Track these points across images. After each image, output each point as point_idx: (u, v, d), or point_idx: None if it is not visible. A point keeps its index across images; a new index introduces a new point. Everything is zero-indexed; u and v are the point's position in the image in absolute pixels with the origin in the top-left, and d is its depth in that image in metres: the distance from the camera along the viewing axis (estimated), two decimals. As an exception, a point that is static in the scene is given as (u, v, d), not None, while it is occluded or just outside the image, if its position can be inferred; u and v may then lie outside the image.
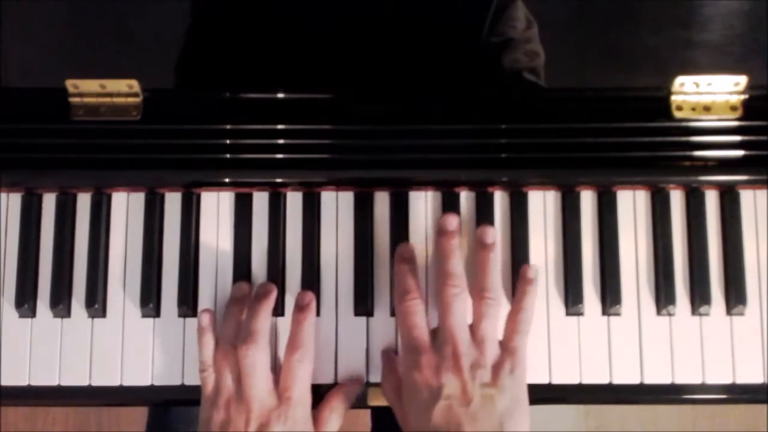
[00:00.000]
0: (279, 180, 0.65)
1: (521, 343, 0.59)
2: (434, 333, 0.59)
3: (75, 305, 0.65)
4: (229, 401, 0.59)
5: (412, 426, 0.57)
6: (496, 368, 0.57)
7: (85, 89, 0.65)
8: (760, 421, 1.39)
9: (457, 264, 0.61)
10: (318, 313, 0.64)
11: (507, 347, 0.59)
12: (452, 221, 0.63)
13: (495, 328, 0.59)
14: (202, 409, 0.61)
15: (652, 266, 0.65)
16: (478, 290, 0.60)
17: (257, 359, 0.59)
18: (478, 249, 0.62)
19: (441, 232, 0.63)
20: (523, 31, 0.64)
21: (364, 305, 0.64)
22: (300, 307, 0.63)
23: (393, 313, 0.64)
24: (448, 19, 0.65)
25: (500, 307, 0.60)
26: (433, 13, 0.64)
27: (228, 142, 0.64)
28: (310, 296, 0.63)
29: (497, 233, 0.65)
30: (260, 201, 0.66)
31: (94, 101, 0.65)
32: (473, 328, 0.59)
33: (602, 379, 0.63)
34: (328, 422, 0.62)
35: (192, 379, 0.64)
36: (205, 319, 0.63)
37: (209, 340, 0.62)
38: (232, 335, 0.61)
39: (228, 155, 0.64)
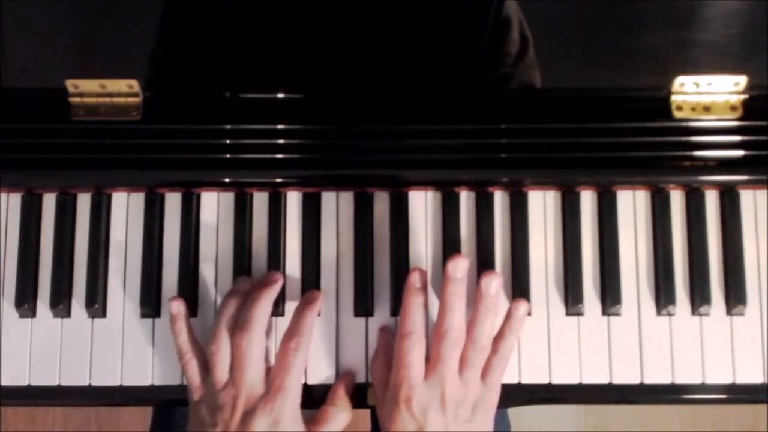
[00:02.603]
0: (279, 180, 0.65)
1: (499, 380, 0.61)
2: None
3: (75, 305, 0.65)
4: (221, 388, 0.59)
5: None
6: (476, 405, 0.59)
7: (85, 89, 0.65)
8: (760, 421, 1.39)
9: (456, 317, 0.59)
10: (318, 314, 0.64)
11: (486, 383, 0.60)
12: (461, 265, 0.60)
13: (479, 375, 0.59)
14: (190, 397, 0.61)
15: (652, 266, 0.65)
16: (470, 340, 0.59)
17: (252, 347, 0.59)
18: (476, 299, 0.60)
19: (447, 279, 0.60)
20: (517, 60, 0.64)
21: (364, 305, 0.64)
22: (305, 301, 0.63)
23: (393, 313, 0.64)
24: (448, 23, 0.65)
25: (486, 357, 0.60)
26: (435, 15, 0.64)
27: (228, 142, 0.64)
28: (318, 293, 0.64)
29: (497, 233, 0.65)
30: (260, 201, 0.66)
31: (94, 101, 0.65)
32: (461, 371, 0.59)
33: (602, 379, 0.63)
34: (333, 419, 0.62)
35: (192, 379, 0.63)
36: (176, 306, 0.62)
37: (183, 327, 0.62)
38: (229, 322, 0.60)
39: (228, 155, 0.64)
